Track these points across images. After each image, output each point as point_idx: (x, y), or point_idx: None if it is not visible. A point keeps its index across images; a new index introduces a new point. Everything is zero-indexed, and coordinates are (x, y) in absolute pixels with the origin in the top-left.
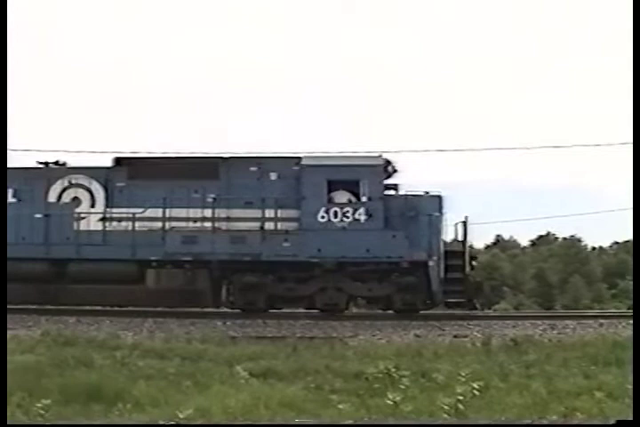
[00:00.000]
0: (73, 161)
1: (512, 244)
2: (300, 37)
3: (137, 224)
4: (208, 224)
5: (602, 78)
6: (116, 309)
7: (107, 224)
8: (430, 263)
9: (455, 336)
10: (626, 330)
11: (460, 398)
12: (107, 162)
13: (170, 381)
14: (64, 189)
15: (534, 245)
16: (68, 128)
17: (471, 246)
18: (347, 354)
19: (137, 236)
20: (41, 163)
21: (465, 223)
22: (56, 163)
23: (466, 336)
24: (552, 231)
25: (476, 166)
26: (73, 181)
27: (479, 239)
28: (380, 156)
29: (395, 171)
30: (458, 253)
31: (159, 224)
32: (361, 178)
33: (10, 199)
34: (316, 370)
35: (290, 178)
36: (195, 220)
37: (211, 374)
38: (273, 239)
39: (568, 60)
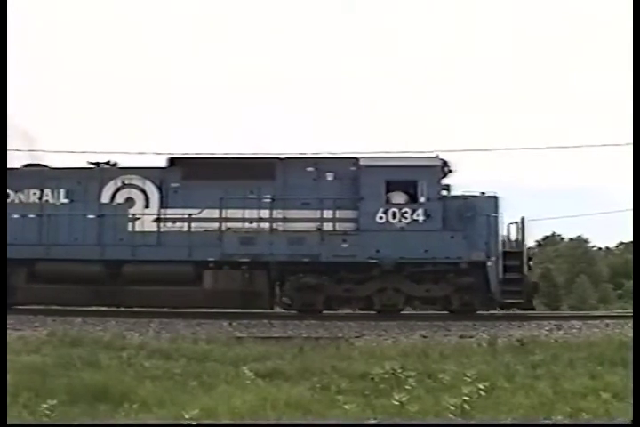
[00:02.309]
0: (120, 162)
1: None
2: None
3: (193, 225)
4: (265, 225)
5: (610, 77)
6: (122, 309)
7: (161, 225)
8: (489, 264)
9: (461, 337)
10: (632, 330)
11: (466, 398)
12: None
13: (176, 381)
14: (117, 190)
15: (540, 246)
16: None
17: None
18: (352, 354)
19: (193, 237)
20: (92, 163)
21: (522, 223)
22: (107, 163)
23: (472, 337)
24: (557, 232)
25: (481, 167)
26: (126, 182)
27: None
28: (437, 156)
29: (450, 171)
30: (516, 254)
31: (215, 225)
32: (419, 179)
33: (62, 200)
34: (322, 370)
35: (347, 178)
36: (251, 220)
37: (217, 375)
38: (331, 240)
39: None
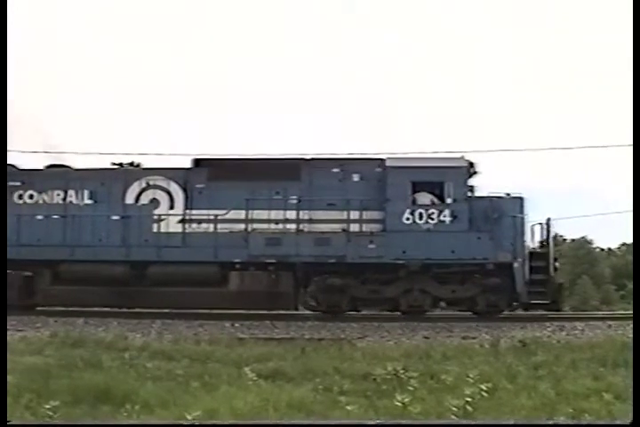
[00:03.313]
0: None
1: None
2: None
3: (218, 226)
4: (291, 226)
5: (613, 78)
6: (124, 310)
7: (186, 226)
8: (515, 265)
9: (463, 338)
10: (632, 331)
11: (469, 399)
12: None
13: (178, 382)
14: (142, 191)
15: (542, 247)
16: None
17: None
18: (355, 355)
19: (219, 238)
20: (115, 164)
21: (548, 224)
22: (131, 164)
23: (474, 338)
24: (559, 233)
25: (486, 168)
26: (151, 183)
27: None
28: (463, 157)
29: (475, 172)
30: (542, 255)
31: (241, 226)
32: (446, 180)
33: (86, 201)
34: (325, 371)
35: (372, 179)
36: (277, 221)
37: (219, 376)
38: (358, 241)
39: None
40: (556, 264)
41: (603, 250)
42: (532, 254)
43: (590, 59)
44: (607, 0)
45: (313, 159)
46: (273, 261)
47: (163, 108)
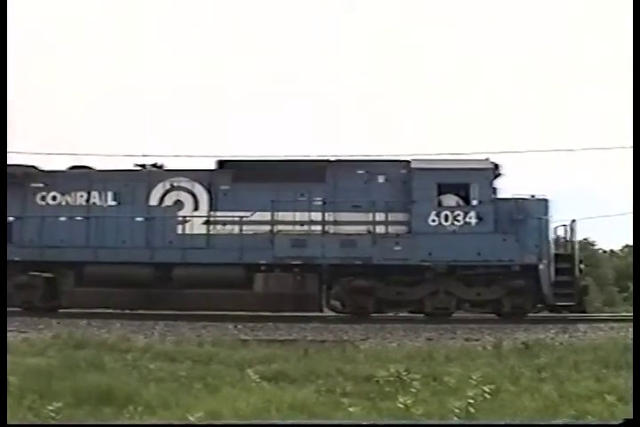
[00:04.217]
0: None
1: None
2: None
3: (243, 227)
4: (317, 228)
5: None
6: (127, 312)
7: (211, 228)
8: (540, 266)
9: (466, 340)
10: (632, 330)
11: (471, 401)
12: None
13: (181, 383)
14: (166, 192)
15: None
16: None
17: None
18: (358, 357)
19: (243, 239)
20: (139, 165)
21: (572, 226)
22: (154, 165)
23: (477, 340)
24: (561, 235)
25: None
26: (175, 184)
27: None
28: (488, 159)
29: (499, 174)
30: (567, 257)
31: (266, 228)
32: (471, 181)
33: (109, 202)
34: (327, 373)
35: (397, 181)
36: (302, 223)
37: (221, 377)
38: (383, 243)
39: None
40: (581, 266)
41: (605, 252)
42: (558, 256)
43: (590, 59)
44: (607, 0)
45: (338, 161)
46: (298, 262)
47: (162, 108)
